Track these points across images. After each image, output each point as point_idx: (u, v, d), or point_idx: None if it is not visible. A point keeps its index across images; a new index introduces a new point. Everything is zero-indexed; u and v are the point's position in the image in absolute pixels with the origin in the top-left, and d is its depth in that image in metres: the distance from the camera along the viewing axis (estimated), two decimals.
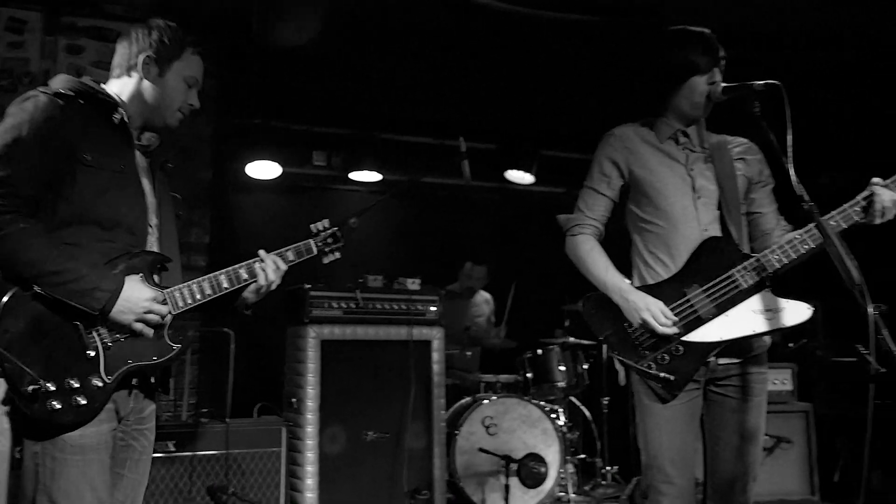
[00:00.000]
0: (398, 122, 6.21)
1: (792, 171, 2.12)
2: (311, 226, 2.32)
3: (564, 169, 6.35)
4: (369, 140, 6.19)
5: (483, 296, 6.18)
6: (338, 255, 2.33)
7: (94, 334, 1.89)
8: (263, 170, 5.81)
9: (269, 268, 2.17)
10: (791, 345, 5.64)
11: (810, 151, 6.72)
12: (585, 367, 5.13)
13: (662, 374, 2.34)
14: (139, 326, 1.93)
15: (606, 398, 5.44)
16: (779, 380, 5.26)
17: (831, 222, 2.24)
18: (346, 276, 4.19)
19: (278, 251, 2.22)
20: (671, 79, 2.45)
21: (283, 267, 2.21)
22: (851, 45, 4.87)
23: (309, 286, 4.05)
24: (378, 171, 6.17)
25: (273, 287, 2.20)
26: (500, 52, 5.11)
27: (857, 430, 4.91)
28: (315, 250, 2.28)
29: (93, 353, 1.88)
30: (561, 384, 4.98)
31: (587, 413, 5.41)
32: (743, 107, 2.30)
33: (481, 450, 4.43)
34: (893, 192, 2.25)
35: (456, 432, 4.49)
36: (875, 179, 2.28)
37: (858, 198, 2.28)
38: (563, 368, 4.99)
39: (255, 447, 3.76)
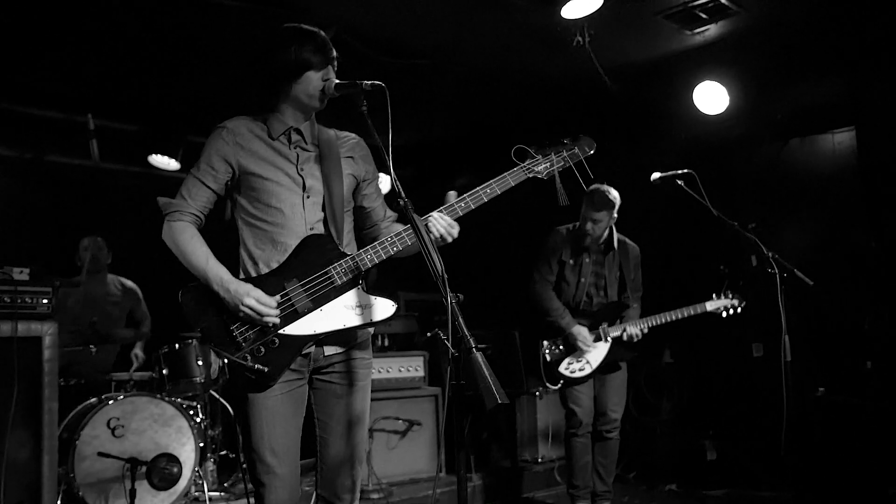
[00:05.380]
0: (20, 91, 5.51)
1: (391, 169, 2.24)
2: None
3: None
4: None
5: (115, 281, 5.67)
6: None
7: None
8: None
9: None
10: (428, 334, 6.07)
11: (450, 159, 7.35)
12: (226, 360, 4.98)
13: (257, 366, 2.37)
14: None
15: None
16: (412, 367, 5.62)
17: (423, 221, 2.40)
18: None
19: None
20: (287, 74, 2.48)
21: None
22: None
23: None
24: None
25: None
26: (145, 31, 4.81)
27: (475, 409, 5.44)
28: None
29: None
30: (199, 379, 4.78)
31: (229, 407, 5.28)
32: (353, 104, 2.39)
33: (101, 454, 4.10)
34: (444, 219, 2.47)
35: (76, 437, 4.10)
36: (450, 193, 2.54)
37: (442, 207, 2.49)
38: (201, 363, 4.80)
39: None
